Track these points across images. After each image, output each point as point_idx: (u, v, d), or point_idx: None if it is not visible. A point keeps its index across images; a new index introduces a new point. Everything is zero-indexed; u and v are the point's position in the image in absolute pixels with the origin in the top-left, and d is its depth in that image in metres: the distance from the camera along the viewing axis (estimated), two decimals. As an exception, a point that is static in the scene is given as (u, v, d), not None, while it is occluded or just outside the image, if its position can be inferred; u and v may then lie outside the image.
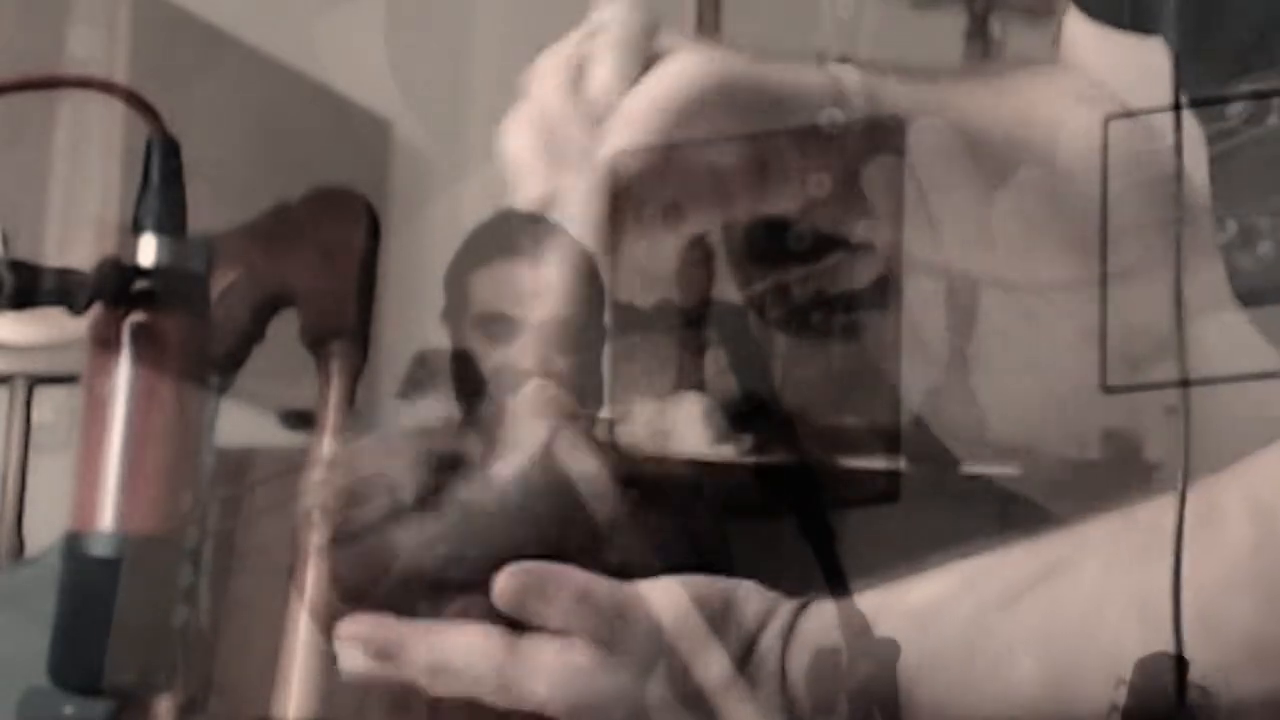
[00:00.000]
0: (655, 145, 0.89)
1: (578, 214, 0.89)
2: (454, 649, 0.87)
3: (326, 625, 0.91)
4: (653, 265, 0.94)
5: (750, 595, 0.89)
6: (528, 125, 0.92)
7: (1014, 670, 0.87)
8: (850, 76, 0.96)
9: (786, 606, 0.89)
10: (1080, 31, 1.09)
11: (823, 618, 0.88)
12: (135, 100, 0.95)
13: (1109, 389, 0.78)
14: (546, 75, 0.92)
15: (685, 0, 2.64)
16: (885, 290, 0.97)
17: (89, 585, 0.91)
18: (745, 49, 0.96)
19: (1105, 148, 0.82)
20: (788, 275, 0.95)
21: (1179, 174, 0.80)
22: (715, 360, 0.99)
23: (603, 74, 0.91)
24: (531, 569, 0.86)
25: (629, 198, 0.89)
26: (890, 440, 1.00)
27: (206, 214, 0.99)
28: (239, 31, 2.79)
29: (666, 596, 0.88)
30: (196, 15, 2.73)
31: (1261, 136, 0.88)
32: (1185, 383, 0.77)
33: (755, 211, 0.94)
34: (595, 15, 0.93)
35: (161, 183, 0.95)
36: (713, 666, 0.87)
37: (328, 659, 1.07)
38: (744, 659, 0.87)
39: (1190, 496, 0.80)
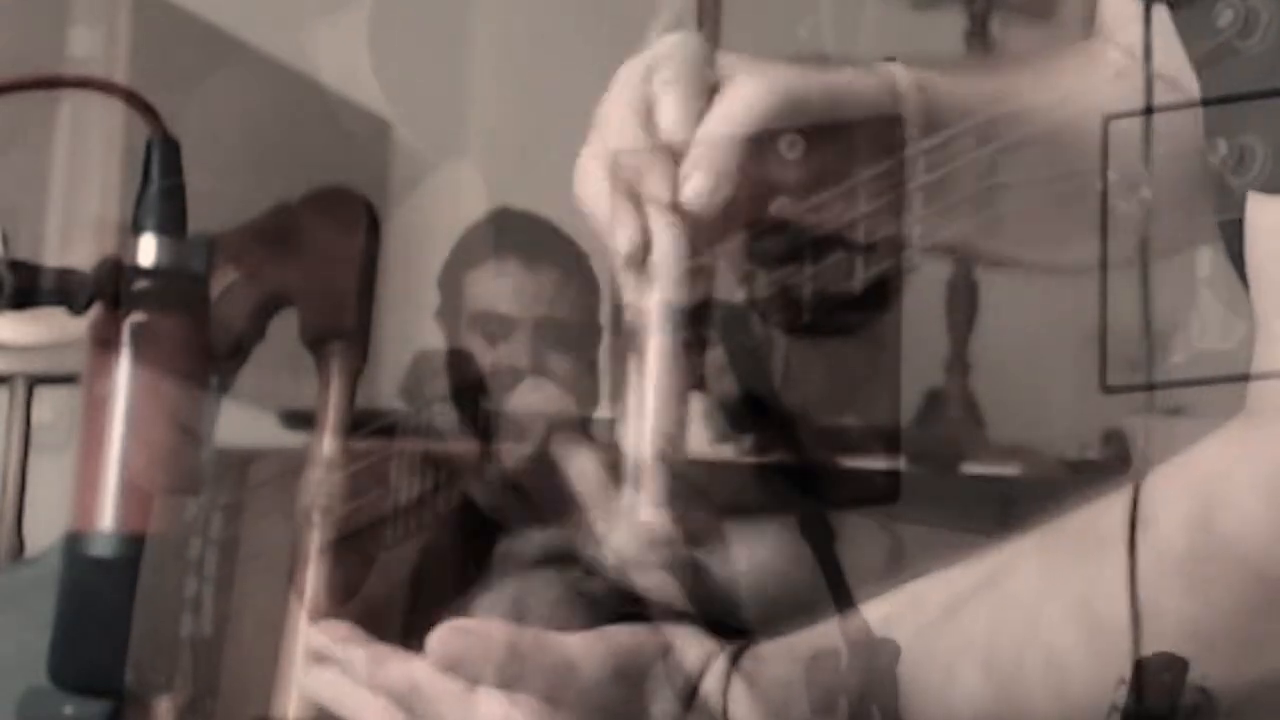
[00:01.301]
0: (734, 175, 0.89)
1: (670, 256, 0.89)
2: (412, 684, 0.87)
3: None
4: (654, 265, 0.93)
5: (690, 641, 0.89)
6: (605, 172, 0.91)
7: (960, 681, 0.87)
8: (902, 75, 0.96)
9: (726, 650, 0.89)
10: (1118, 4, 1.09)
11: (763, 659, 0.88)
12: (135, 100, 0.95)
13: (1109, 389, 0.78)
14: (616, 120, 0.92)
15: (686, 0, 2.64)
16: (885, 290, 0.97)
17: (89, 585, 0.91)
18: (798, 58, 0.96)
19: (1105, 148, 0.82)
20: (788, 275, 0.95)
21: (1148, 137, 0.80)
22: (715, 360, 0.99)
23: (670, 112, 0.91)
24: (462, 627, 0.86)
25: (717, 228, 0.90)
26: (890, 440, 1.00)
27: (206, 214, 0.99)
28: (239, 31, 2.79)
29: (605, 646, 0.88)
30: (196, 15, 2.73)
31: (1252, 50, 0.87)
32: (1185, 383, 0.77)
33: (754, 215, 0.94)
34: (651, 50, 0.93)
35: (161, 183, 0.95)
36: (658, 714, 0.87)
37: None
38: (686, 705, 0.87)
39: (1126, 498, 0.81)
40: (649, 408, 0.88)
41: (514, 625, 0.86)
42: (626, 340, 0.90)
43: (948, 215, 0.95)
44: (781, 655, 0.88)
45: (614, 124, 0.92)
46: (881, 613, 0.89)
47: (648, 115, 0.92)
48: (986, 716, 0.87)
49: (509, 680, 0.86)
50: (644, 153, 0.90)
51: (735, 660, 0.88)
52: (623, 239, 0.90)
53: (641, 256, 0.90)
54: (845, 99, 0.94)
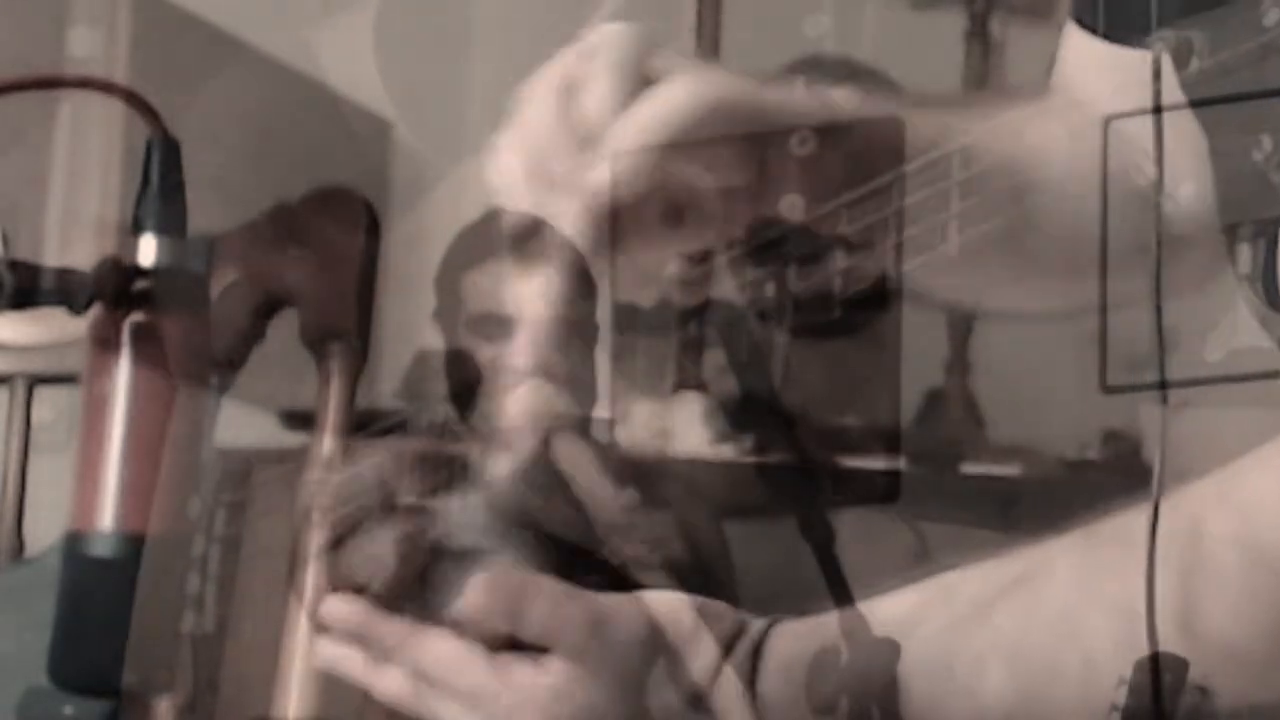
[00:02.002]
0: (647, 166, 0.88)
1: (559, 239, 0.88)
2: (436, 656, 0.86)
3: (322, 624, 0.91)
4: (652, 272, 0.93)
5: (719, 614, 0.89)
6: (517, 147, 0.91)
7: (987, 679, 0.87)
8: (844, 99, 0.95)
9: (755, 625, 0.89)
10: (1078, 46, 1.10)
11: (791, 635, 0.88)
12: (135, 100, 0.95)
13: (1109, 389, 0.78)
14: (537, 97, 0.91)
15: (685, 1, 2.64)
16: (885, 290, 0.97)
17: (89, 585, 0.91)
18: (740, 71, 0.95)
19: (1105, 148, 0.82)
20: (788, 275, 0.95)
21: (1159, 185, 0.80)
22: (715, 360, 0.99)
23: (595, 96, 0.90)
24: (504, 580, 0.86)
25: (622, 217, 0.89)
26: (890, 440, 1.00)
27: (206, 214, 0.99)
28: (239, 31, 2.79)
29: (639, 608, 0.87)
30: (196, 15, 2.73)
31: None
32: (1185, 383, 0.77)
33: (751, 222, 0.94)
34: (589, 35, 0.92)
35: (161, 183, 0.95)
36: (685, 686, 0.87)
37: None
38: (712, 677, 0.87)
39: (1167, 508, 0.81)
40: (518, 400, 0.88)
41: (555, 581, 0.86)
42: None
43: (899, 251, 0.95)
44: (808, 633, 0.88)
45: (536, 101, 0.91)
46: (911, 601, 0.89)
47: (568, 99, 0.90)
48: (1014, 713, 0.86)
49: (548, 632, 0.86)
50: (557, 132, 0.89)
51: (763, 635, 0.88)
52: (513, 215, 0.90)
53: (526, 237, 0.89)
54: (777, 116, 0.93)
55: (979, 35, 2.77)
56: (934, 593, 0.89)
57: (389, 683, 0.88)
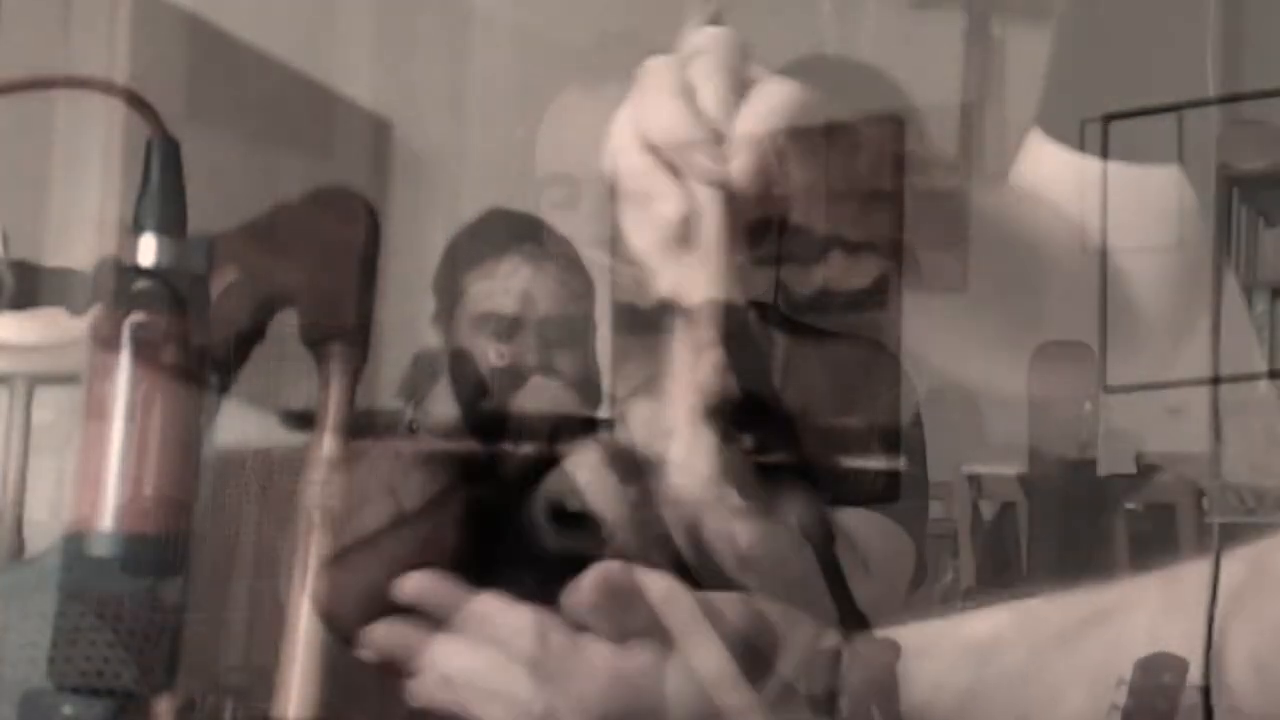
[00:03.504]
0: (773, 164, 0.91)
1: (719, 227, 0.90)
2: (516, 627, 0.88)
3: (334, 625, 0.92)
4: (654, 265, 0.94)
5: (800, 622, 0.90)
6: (649, 148, 0.93)
7: (1065, 704, 0.88)
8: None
9: (830, 635, 0.90)
10: (1039, 152, 1.13)
11: (869, 647, 0.90)
12: (135, 100, 0.95)
13: (1109, 389, 0.78)
14: (659, 101, 0.93)
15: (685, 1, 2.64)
16: (885, 290, 0.97)
17: (89, 585, 0.91)
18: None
19: (1105, 148, 0.82)
20: (788, 275, 0.95)
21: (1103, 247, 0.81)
22: (715, 360, 0.99)
23: (712, 99, 0.93)
24: (620, 569, 0.88)
25: (747, 213, 0.92)
26: (890, 440, 1.00)
27: (206, 214, 0.99)
28: (239, 31, 2.79)
29: (745, 606, 0.89)
30: (196, 15, 2.73)
31: None
32: (1186, 383, 0.78)
33: (754, 215, 0.95)
34: (690, 41, 0.95)
35: (161, 183, 0.95)
36: (771, 688, 0.88)
37: (328, 658, 1.07)
38: (804, 680, 0.89)
39: (1243, 556, 0.86)
40: (698, 380, 0.89)
41: (662, 574, 0.88)
42: (661, 319, 0.91)
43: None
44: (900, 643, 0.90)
45: (656, 105, 0.93)
46: (998, 620, 0.91)
47: (690, 99, 0.93)
48: None
49: (654, 622, 0.87)
50: (692, 131, 0.91)
51: (840, 646, 0.90)
52: (670, 210, 0.91)
53: (686, 229, 0.90)
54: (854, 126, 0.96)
55: (979, 35, 2.77)
56: (1021, 615, 0.91)
57: (457, 658, 0.89)
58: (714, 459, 0.89)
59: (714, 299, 0.90)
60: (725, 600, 0.90)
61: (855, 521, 0.94)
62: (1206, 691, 0.82)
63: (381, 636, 0.92)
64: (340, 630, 1.00)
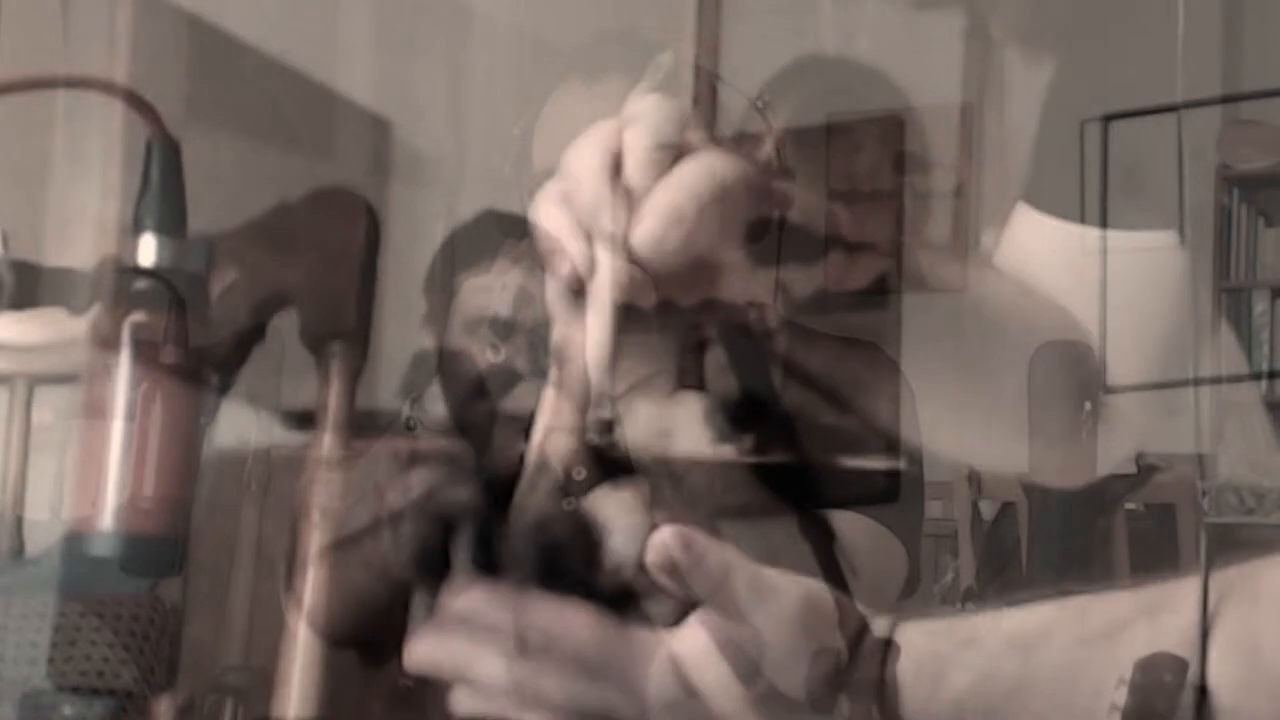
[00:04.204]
0: (686, 232, 0.93)
1: (609, 288, 0.92)
2: (566, 625, 0.89)
3: (323, 626, 0.92)
4: (654, 265, 0.94)
5: (849, 607, 0.91)
6: (565, 203, 0.96)
7: (1109, 700, 0.89)
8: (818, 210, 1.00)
9: (880, 623, 0.91)
10: (1027, 225, 1.15)
11: (924, 632, 0.91)
12: (135, 100, 0.95)
13: (1109, 389, 0.78)
14: (583, 158, 0.96)
15: (685, 0, 2.64)
16: (885, 290, 0.97)
17: (89, 585, 0.91)
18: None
19: (1106, 146, 0.82)
20: (788, 275, 0.95)
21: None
22: (715, 360, 0.99)
23: (636, 162, 0.95)
24: (687, 536, 0.88)
25: (650, 281, 0.93)
26: (890, 440, 1.00)
27: (206, 214, 0.99)
28: (239, 31, 2.79)
29: (799, 584, 0.90)
30: (197, 15, 2.73)
31: None
32: (1186, 383, 0.78)
33: (754, 215, 0.96)
34: (631, 105, 0.97)
35: (161, 183, 0.95)
36: (821, 670, 0.89)
37: (327, 659, 1.07)
38: (848, 664, 0.90)
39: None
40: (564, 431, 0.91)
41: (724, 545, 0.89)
42: (546, 365, 0.93)
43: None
44: (941, 632, 0.92)
45: (579, 165, 0.95)
46: (1045, 615, 0.93)
47: (614, 163, 0.95)
48: None
49: (715, 589, 0.88)
50: (603, 192, 0.94)
51: (891, 632, 0.91)
52: (565, 264, 0.94)
53: (579, 284, 0.92)
54: (779, 202, 0.98)
55: (979, 35, 2.77)
56: (1068, 611, 0.92)
57: (495, 667, 0.90)
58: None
59: (587, 362, 0.92)
60: (781, 577, 0.90)
61: (841, 524, 0.94)
62: (1203, 690, 0.83)
63: (427, 653, 0.91)
64: (322, 629, 1.00)
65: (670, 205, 0.93)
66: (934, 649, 0.90)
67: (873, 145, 0.96)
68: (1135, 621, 0.91)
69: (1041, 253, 1.12)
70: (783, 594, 0.90)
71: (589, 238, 0.94)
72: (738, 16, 2.68)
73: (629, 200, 0.94)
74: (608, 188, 0.94)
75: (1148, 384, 0.78)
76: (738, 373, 0.91)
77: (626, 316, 0.93)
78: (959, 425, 1.11)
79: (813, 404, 0.94)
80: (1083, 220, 1.06)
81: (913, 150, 0.97)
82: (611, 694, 0.89)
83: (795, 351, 0.96)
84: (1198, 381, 0.79)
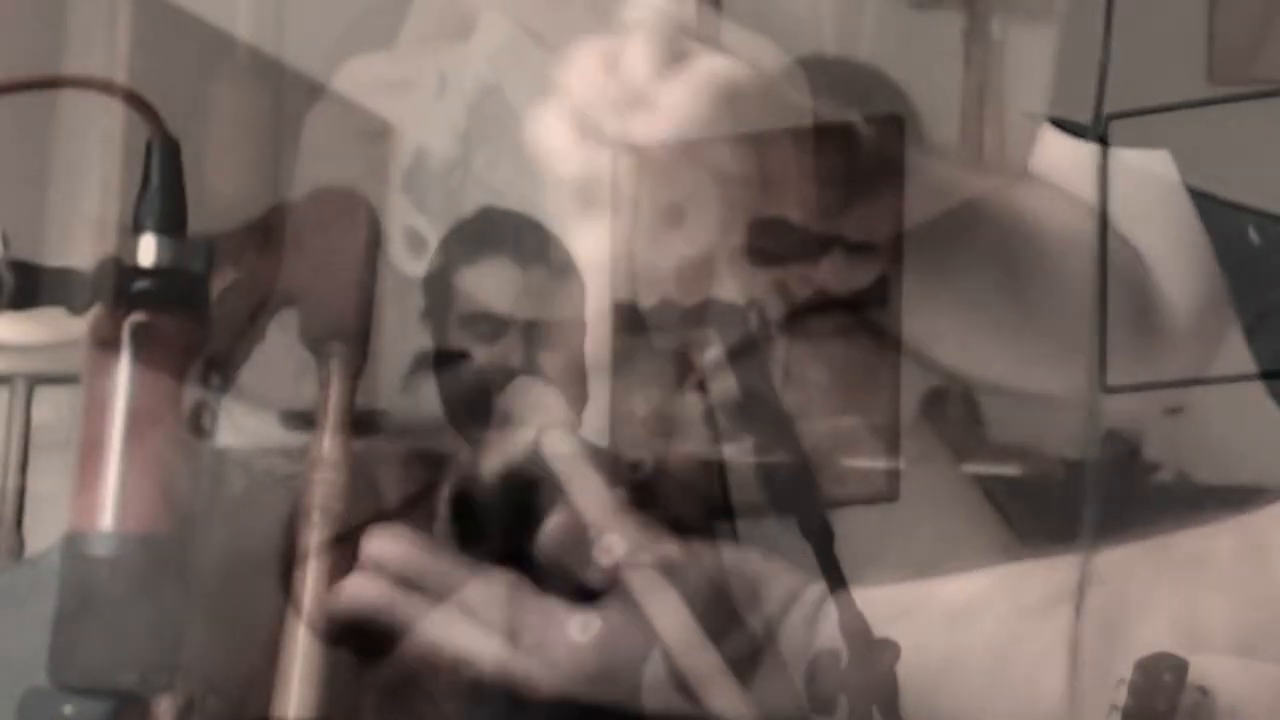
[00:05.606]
0: (689, 138, 0.90)
1: (612, 195, 0.90)
2: (488, 594, 0.88)
3: (321, 626, 0.92)
4: (654, 265, 0.94)
5: (779, 574, 0.90)
6: (564, 110, 0.92)
7: (1044, 678, 0.87)
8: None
9: (814, 589, 0.90)
10: (1053, 146, 1.12)
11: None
12: (135, 100, 0.95)
13: (1109, 389, 0.78)
14: (580, 62, 0.93)
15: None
16: (885, 290, 0.97)
17: (89, 585, 0.91)
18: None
19: (1105, 146, 0.82)
20: (788, 275, 0.95)
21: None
22: (715, 360, 0.99)
23: (638, 61, 0.92)
24: (580, 518, 0.88)
25: (647, 190, 0.91)
26: (890, 440, 1.00)
27: (206, 214, 0.99)
28: (239, 31, 2.79)
29: (714, 554, 0.89)
30: (196, 15, 2.72)
31: None
32: (1185, 383, 0.77)
33: (754, 215, 0.95)
34: (629, 11, 0.94)
35: (161, 183, 0.95)
36: (743, 638, 0.88)
37: (327, 660, 1.07)
38: (774, 630, 0.89)
39: (1240, 527, 0.84)
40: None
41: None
42: (561, 277, 0.91)
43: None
44: (871, 604, 0.89)
45: (579, 66, 0.92)
46: (980, 585, 0.91)
47: (613, 63, 0.92)
48: (1066, 715, 0.87)
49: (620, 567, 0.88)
50: (601, 92, 0.91)
51: (824, 600, 0.89)
52: (567, 169, 0.91)
53: (590, 188, 0.90)
54: (790, 114, 0.95)
55: (979, 35, 2.76)
56: (996, 581, 0.89)
57: (430, 622, 0.90)
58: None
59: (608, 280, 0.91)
60: (698, 550, 0.89)
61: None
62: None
63: (355, 591, 0.91)
64: (322, 630, 1.00)
65: (676, 106, 0.90)
66: (870, 619, 0.88)
67: (872, 145, 0.96)
68: (1070, 596, 0.88)
69: (1070, 171, 1.08)
70: (694, 565, 0.89)
71: (593, 144, 0.91)
72: (737, 15, 2.69)
73: (631, 100, 0.91)
74: (605, 88, 0.91)
75: (1148, 384, 0.78)
76: (738, 373, 0.91)
77: (626, 316, 0.93)
78: (1014, 351, 1.07)
79: (813, 404, 0.94)
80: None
81: (912, 149, 0.97)
82: (523, 660, 0.89)
83: (795, 351, 0.96)
84: (1198, 381, 0.79)
